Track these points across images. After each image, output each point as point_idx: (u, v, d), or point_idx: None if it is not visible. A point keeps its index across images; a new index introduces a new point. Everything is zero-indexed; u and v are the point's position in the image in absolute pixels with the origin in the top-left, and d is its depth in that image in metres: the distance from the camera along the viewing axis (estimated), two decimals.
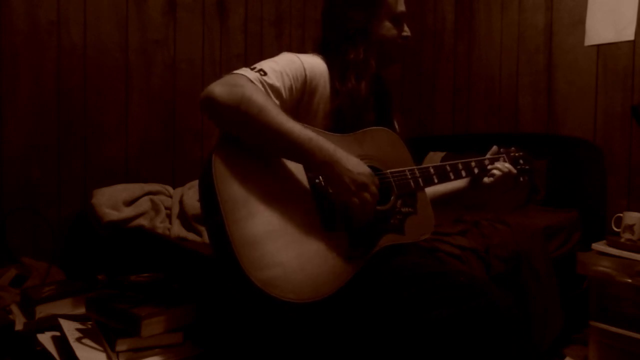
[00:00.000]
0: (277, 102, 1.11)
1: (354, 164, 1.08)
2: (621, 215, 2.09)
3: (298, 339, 1.15)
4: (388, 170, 1.21)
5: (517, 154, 1.50)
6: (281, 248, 1.01)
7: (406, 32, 1.35)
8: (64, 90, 2.08)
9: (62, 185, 2.08)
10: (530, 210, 2.40)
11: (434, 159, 2.87)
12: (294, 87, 1.17)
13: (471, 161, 1.39)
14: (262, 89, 1.09)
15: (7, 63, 1.94)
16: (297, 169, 1.11)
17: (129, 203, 1.95)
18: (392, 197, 1.21)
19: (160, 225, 1.89)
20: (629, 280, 1.91)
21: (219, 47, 2.53)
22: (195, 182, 2.12)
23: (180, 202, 1.97)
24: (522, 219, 2.07)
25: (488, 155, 1.46)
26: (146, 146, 2.31)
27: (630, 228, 2.03)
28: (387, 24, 1.31)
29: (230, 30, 2.57)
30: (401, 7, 1.33)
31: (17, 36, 1.96)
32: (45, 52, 2.02)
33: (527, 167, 1.50)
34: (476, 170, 1.39)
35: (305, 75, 1.19)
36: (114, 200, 1.91)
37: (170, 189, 2.12)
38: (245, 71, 1.10)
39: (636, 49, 2.43)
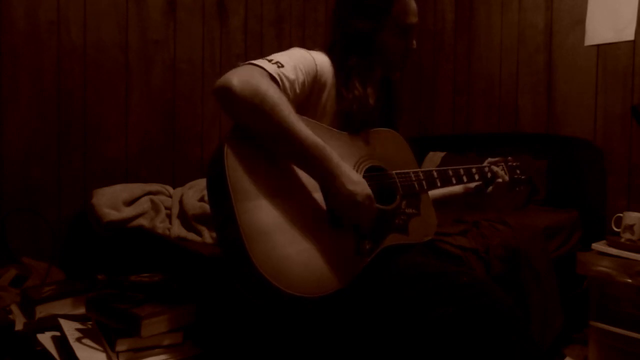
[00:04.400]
0: (291, 95, 1.12)
1: (355, 182, 1.07)
2: (621, 215, 2.09)
3: (301, 336, 1.15)
4: (394, 171, 1.22)
5: (513, 164, 1.52)
6: (289, 242, 1.01)
7: (412, 45, 1.34)
8: (64, 90, 2.08)
9: (62, 185, 2.08)
10: (530, 210, 2.40)
11: (434, 159, 2.87)
12: (306, 82, 1.18)
13: (472, 167, 1.42)
14: (280, 81, 1.10)
15: (7, 63, 1.94)
16: None
17: (129, 203, 1.95)
18: (397, 198, 1.21)
19: (160, 225, 1.89)
20: (629, 280, 1.91)
21: (219, 47, 2.53)
22: (195, 182, 2.12)
23: (180, 202, 1.97)
24: (522, 219, 2.07)
25: (485, 163, 1.48)
26: (146, 146, 2.31)
27: (630, 228, 2.03)
28: (393, 34, 1.29)
29: (230, 30, 2.57)
30: (411, 19, 1.30)
31: (17, 36, 1.95)
32: (45, 52, 2.02)
33: (523, 177, 1.51)
34: (476, 177, 1.42)
35: (316, 71, 1.20)
36: (114, 200, 1.91)
37: (170, 189, 2.12)
38: (263, 62, 1.11)
39: (636, 49, 2.43)
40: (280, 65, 1.12)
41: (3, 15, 1.92)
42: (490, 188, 1.44)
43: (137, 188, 2.02)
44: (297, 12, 2.83)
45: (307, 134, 1.04)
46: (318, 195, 1.10)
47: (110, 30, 2.19)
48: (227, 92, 1.02)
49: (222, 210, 1.01)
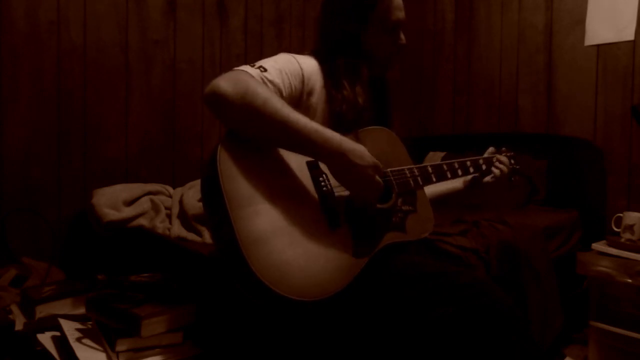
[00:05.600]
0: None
1: (361, 156, 1.08)
2: (621, 215, 2.09)
3: (301, 337, 1.15)
4: (388, 169, 1.22)
5: (508, 154, 1.52)
6: (287, 246, 1.01)
7: (401, 40, 1.33)
8: (64, 90, 2.08)
9: (62, 185, 2.08)
10: (530, 210, 2.40)
11: (434, 158, 2.87)
12: (293, 85, 1.18)
13: (466, 160, 1.42)
14: (264, 84, 1.10)
15: (7, 63, 1.94)
16: (300, 166, 1.11)
17: (129, 203, 1.95)
18: (393, 195, 1.21)
19: (160, 225, 1.89)
20: (629, 280, 1.91)
21: (219, 47, 2.53)
22: (195, 182, 2.12)
23: (180, 202, 1.97)
24: (522, 219, 2.07)
25: (484, 156, 1.49)
26: (146, 146, 2.31)
27: (630, 228, 2.03)
28: (379, 32, 1.29)
29: (230, 30, 2.57)
30: (397, 15, 1.29)
31: (17, 36, 1.95)
32: (45, 52, 2.02)
33: (517, 167, 1.52)
34: (472, 170, 1.42)
35: (303, 75, 1.20)
36: (114, 200, 1.91)
37: (170, 189, 2.12)
38: (246, 68, 1.12)
39: (636, 49, 2.43)
40: (263, 70, 1.12)
41: (3, 15, 1.92)
42: (485, 179, 1.45)
43: (137, 188, 2.02)
44: (297, 12, 2.83)
45: (304, 120, 1.04)
46: (314, 197, 1.10)
47: (110, 30, 2.19)
48: (218, 97, 1.02)
49: (217, 213, 1.01)
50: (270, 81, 1.13)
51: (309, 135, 1.04)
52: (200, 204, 1.91)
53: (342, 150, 1.06)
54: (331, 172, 1.10)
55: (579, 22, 2.62)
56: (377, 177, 1.10)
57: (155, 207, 1.97)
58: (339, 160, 1.06)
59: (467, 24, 3.12)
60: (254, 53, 2.64)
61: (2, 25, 1.92)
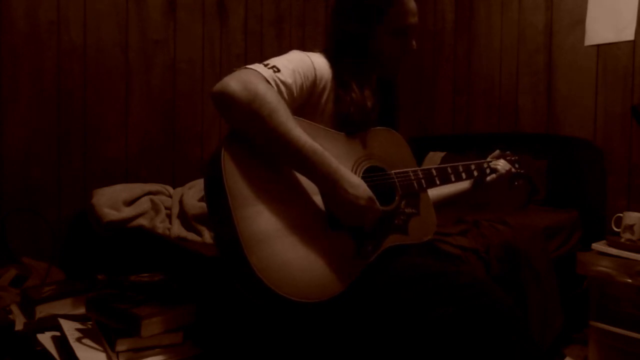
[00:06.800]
0: (288, 99, 1.11)
1: (355, 186, 1.07)
2: (621, 215, 2.09)
3: (301, 338, 1.15)
4: (392, 171, 1.22)
5: (512, 158, 1.53)
6: (289, 247, 1.01)
7: (412, 45, 1.31)
8: (64, 90, 2.08)
9: (62, 185, 2.08)
10: (530, 210, 2.40)
11: (434, 159, 2.87)
12: (304, 85, 1.17)
13: (471, 164, 1.42)
14: (275, 87, 1.09)
15: (7, 63, 1.94)
16: None
17: (129, 203, 1.95)
18: (397, 198, 1.21)
19: (160, 225, 1.89)
20: (629, 280, 1.91)
21: (219, 47, 2.53)
22: (195, 182, 2.12)
23: (180, 202, 1.97)
24: (522, 219, 2.07)
25: (488, 159, 1.49)
26: (146, 146, 2.31)
27: (630, 228, 2.03)
28: (391, 36, 1.27)
29: (230, 30, 2.57)
30: (410, 20, 1.27)
31: (17, 36, 1.96)
32: (45, 52, 2.02)
33: (521, 171, 1.53)
34: (475, 173, 1.42)
35: (315, 75, 1.19)
36: (113, 200, 1.91)
37: (170, 189, 2.12)
38: (258, 67, 1.10)
39: (636, 49, 2.43)
40: (276, 70, 1.11)
41: (3, 15, 1.92)
42: (488, 177, 1.45)
43: (137, 188, 2.02)
44: (297, 12, 2.83)
45: (305, 140, 1.04)
46: (317, 198, 1.10)
47: (110, 30, 2.19)
48: (225, 97, 1.01)
49: (220, 213, 1.01)
50: (283, 82, 1.11)
51: (307, 155, 1.04)
52: (200, 203, 1.91)
53: (336, 176, 1.06)
54: (322, 196, 1.10)
55: (579, 22, 2.62)
56: (370, 215, 1.09)
57: (155, 207, 1.97)
58: (332, 185, 1.06)
59: (467, 24, 3.12)
60: (254, 53, 2.64)
61: (2, 25, 1.92)
